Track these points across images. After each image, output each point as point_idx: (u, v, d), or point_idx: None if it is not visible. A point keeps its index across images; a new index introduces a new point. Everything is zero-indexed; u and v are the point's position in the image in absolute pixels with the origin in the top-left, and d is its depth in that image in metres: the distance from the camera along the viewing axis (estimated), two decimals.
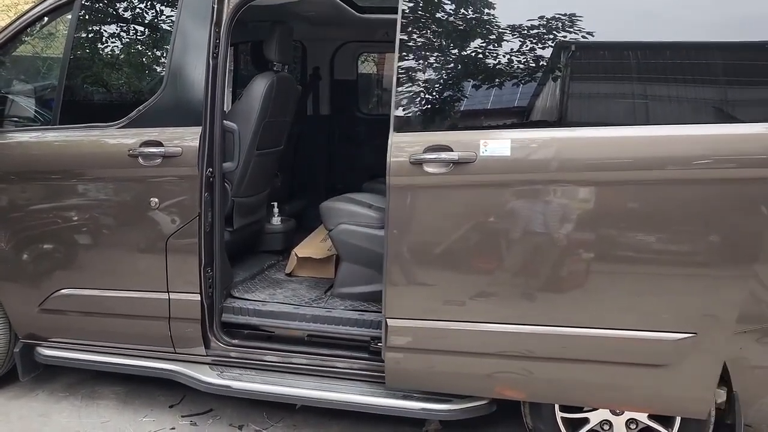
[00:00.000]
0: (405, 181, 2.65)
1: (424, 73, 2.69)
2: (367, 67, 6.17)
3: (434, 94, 2.71)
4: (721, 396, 2.69)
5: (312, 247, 3.92)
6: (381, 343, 2.87)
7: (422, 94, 2.70)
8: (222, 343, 3.21)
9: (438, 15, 2.73)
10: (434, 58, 2.71)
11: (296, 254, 3.84)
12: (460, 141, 2.60)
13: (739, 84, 2.55)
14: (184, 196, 3.03)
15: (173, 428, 3.28)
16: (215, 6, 3.02)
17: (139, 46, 3.42)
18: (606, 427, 2.85)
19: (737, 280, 2.48)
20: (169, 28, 3.15)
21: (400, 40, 2.67)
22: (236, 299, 3.38)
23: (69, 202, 3.20)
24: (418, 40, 2.70)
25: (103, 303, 3.21)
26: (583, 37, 2.58)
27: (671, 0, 2.64)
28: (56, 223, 3.21)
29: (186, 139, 3.00)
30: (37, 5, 3.37)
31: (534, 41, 2.62)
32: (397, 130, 2.67)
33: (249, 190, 3.73)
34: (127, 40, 3.39)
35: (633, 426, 2.82)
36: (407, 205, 2.68)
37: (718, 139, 2.46)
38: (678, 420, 2.74)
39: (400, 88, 2.67)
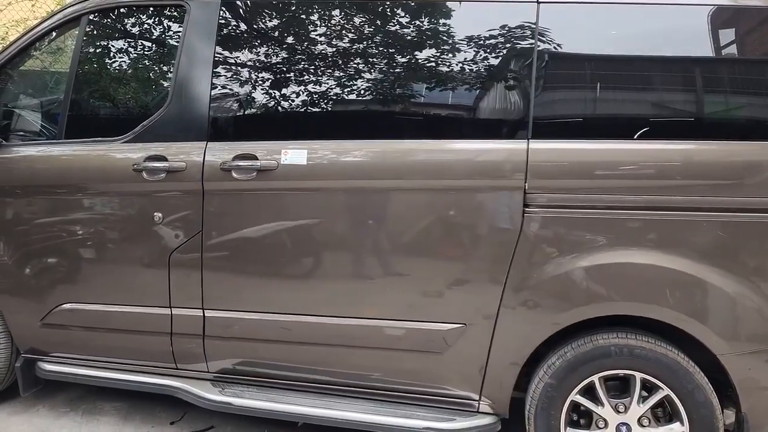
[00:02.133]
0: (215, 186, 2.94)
1: (233, 84, 3.02)
2: None
3: (243, 105, 3.02)
4: (730, 417, 2.65)
5: None
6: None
7: (232, 105, 3.04)
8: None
9: (244, 28, 3.06)
10: (242, 70, 3.02)
11: None
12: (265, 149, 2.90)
13: None
14: (188, 211, 3.03)
15: None
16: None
17: (144, 62, 3.43)
18: None
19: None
20: (175, 44, 3.17)
21: (215, 50, 2.99)
22: None
23: (73, 216, 3.19)
24: (227, 51, 3.04)
25: (105, 318, 3.20)
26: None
27: None
28: (59, 238, 3.21)
29: (191, 154, 3.00)
30: (45, 20, 3.40)
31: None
32: (212, 138, 2.98)
33: None
34: (133, 55, 3.40)
35: None
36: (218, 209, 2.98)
37: None
38: None
39: (214, 99, 2.98)
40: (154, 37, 3.35)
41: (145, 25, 3.34)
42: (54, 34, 3.42)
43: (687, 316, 2.60)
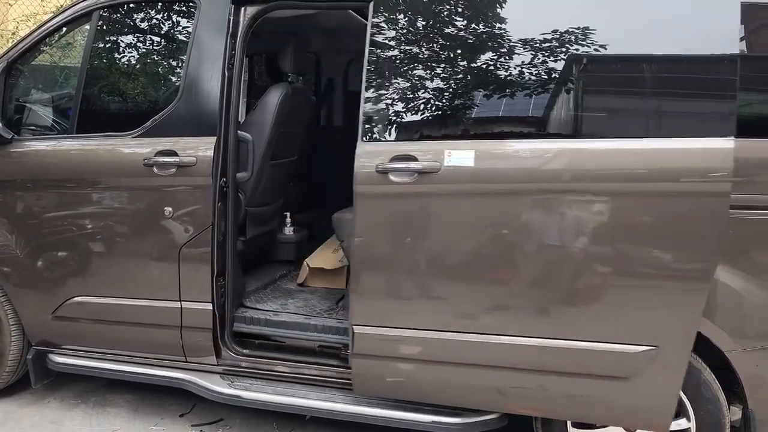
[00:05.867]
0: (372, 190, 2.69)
1: (390, 83, 2.74)
2: None
3: (401, 104, 2.75)
4: (736, 414, 2.65)
5: (324, 257, 3.92)
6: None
7: (389, 105, 2.75)
8: (233, 352, 3.21)
9: (402, 25, 2.79)
10: (398, 69, 2.76)
11: (308, 264, 3.84)
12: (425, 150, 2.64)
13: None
14: (198, 206, 3.05)
15: None
16: (231, 18, 3.05)
17: (155, 57, 3.46)
18: None
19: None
20: (185, 39, 3.18)
21: (369, 49, 2.72)
22: (248, 309, 3.38)
23: (83, 210, 3.22)
24: (384, 51, 2.76)
25: (115, 311, 3.22)
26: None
27: None
28: (70, 231, 3.24)
29: (200, 148, 3.02)
30: (56, 15, 3.42)
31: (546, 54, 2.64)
32: (365, 139, 2.71)
33: (262, 200, 3.74)
34: (144, 50, 3.42)
35: None
36: (374, 214, 2.72)
37: None
38: None
39: (368, 99, 2.71)
40: (164, 32, 3.37)
41: (156, 21, 3.36)
42: (65, 29, 3.44)
43: None
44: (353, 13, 4.05)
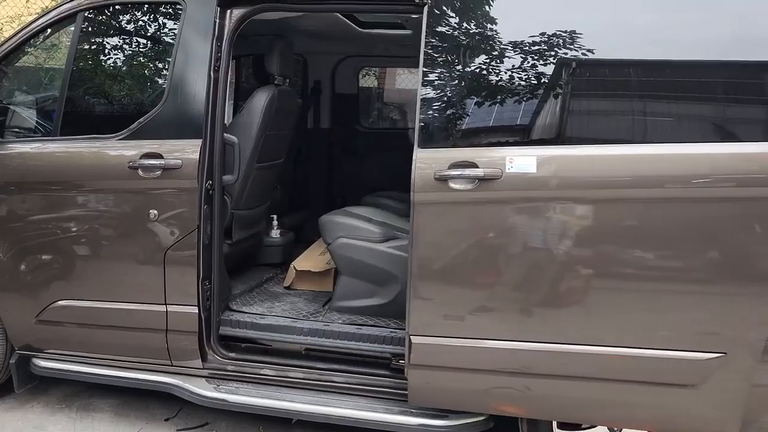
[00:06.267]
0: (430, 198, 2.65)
1: (446, 89, 2.70)
2: (368, 81, 6.20)
3: (460, 110, 2.71)
4: None
5: (311, 260, 3.92)
6: (403, 360, 2.85)
7: (446, 111, 2.71)
8: (219, 356, 3.19)
9: (457, 32, 2.75)
10: (456, 74, 2.72)
11: (295, 267, 3.83)
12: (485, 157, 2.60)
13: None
14: (184, 209, 3.03)
15: None
16: (217, 21, 3.04)
17: (140, 59, 3.44)
18: None
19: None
20: (171, 41, 3.17)
21: (425, 53, 2.68)
22: (234, 312, 3.37)
23: (68, 213, 3.19)
24: (441, 56, 2.72)
25: (100, 315, 3.20)
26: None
27: None
28: (55, 234, 3.21)
29: (186, 151, 3.01)
30: (41, 17, 3.39)
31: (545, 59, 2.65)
32: (422, 146, 2.66)
33: (248, 202, 3.73)
34: (129, 52, 3.40)
35: None
36: (431, 221, 2.67)
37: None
38: None
39: (424, 104, 2.68)
40: (149, 34, 3.36)
41: (141, 23, 3.35)
42: (49, 30, 3.41)
43: None
44: (340, 15, 4.06)
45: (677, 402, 2.59)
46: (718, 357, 2.49)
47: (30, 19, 5.01)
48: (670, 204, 2.48)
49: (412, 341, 2.74)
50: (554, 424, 2.83)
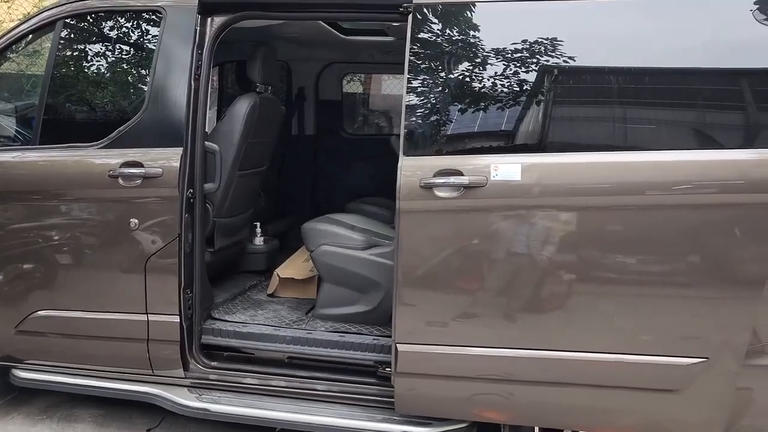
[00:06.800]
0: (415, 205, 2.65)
1: (431, 96, 2.71)
2: (352, 87, 6.20)
3: (444, 117, 2.72)
4: None
5: (294, 267, 3.91)
6: (389, 368, 2.86)
7: (431, 118, 2.72)
8: (201, 365, 3.18)
9: (441, 39, 2.75)
10: (440, 81, 2.72)
11: (278, 275, 3.82)
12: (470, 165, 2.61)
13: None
14: (164, 217, 3.02)
15: None
16: (198, 28, 3.03)
17: (120, 67, 3.42)
18: None
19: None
20: (152, 48, 3.16)
21: (409, 61, 2.70)
22: (216, 321, 3.35)
23: (48, 222, 3.17)
24: (425, 64, 2.73)
25: (81, 325, 3.17)
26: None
27: None
28: (35, 244, 3.18)
29: (166, 159, 2.99)
30: (22, 23, 3.37)
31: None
32: (407, 153, 2.67)
33: (231, 210, 3.72)
34: (109, 60, 3.38)
35: None
36: (417, 229, 2.68)
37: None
38: None
39: (409, 112, 2.69)
40: (130, 42, 3.34)
41: (122, 31, 3.33)
42: (30, 37, 3.39)
43: None
44: (323, 23, 4.06)
45: (660, 407, 2.61)
46: (701, 362, 2.51)
47: (11, 25, 4.97)
48: (651, 211, 2.50)
49: (399, 349, 2.74)
50: (536, 430, 2.84)
